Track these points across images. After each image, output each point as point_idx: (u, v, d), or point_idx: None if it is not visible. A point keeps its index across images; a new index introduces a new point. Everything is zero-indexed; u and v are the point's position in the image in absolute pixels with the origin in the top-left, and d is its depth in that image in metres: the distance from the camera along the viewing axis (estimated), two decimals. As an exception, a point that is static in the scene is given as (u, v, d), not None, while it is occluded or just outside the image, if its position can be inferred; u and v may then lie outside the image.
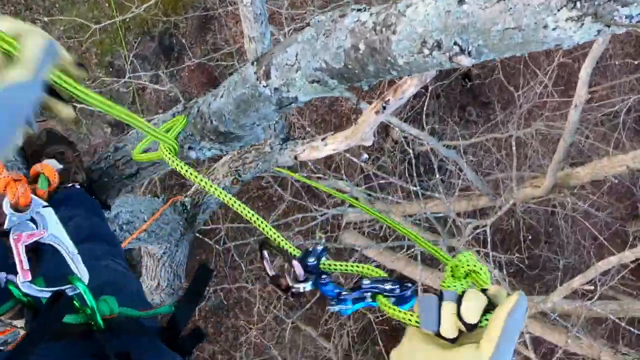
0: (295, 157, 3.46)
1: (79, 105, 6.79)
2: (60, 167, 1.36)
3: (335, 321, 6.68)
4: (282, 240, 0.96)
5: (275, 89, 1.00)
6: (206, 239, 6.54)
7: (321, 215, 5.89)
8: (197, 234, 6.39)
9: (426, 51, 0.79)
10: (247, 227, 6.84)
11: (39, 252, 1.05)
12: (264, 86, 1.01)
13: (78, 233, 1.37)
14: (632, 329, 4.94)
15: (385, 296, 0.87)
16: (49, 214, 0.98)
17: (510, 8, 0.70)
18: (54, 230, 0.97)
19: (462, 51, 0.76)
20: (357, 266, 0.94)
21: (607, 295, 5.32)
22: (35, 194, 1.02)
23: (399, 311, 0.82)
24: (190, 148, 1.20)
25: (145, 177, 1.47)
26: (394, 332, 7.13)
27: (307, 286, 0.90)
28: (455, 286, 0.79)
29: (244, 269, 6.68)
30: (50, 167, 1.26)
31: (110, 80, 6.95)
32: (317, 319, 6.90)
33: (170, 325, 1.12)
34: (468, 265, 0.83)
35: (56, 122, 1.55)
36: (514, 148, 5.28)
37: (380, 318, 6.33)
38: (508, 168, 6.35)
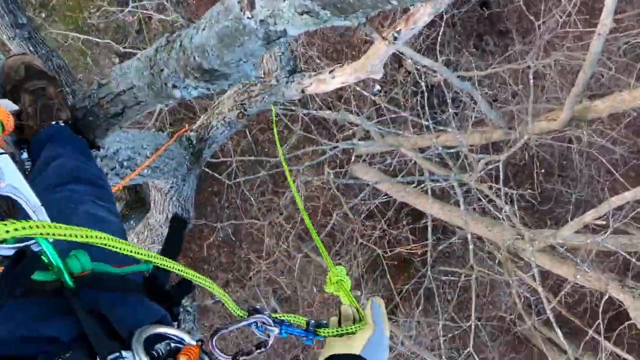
0: (303, 91, 3.35)
1: (82, 36, 6.65)
2: (15, 108, 1.23)
3: (345, 254, 6.78)
4: (234, 307, 1.14)
5: (261, 21, 0.89)
6: (216, 174, 6.55)
7: (331, 149, 5.81)
8: (207, 169, 6.40)
9: (428, -24, 0.68)
10: (257, 160, 6.82)
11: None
12: (248, 18, 0.90)
13: (62, 174, 1.30)
14: (641, 263, 4.94)
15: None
16: (5, 162, 0.87)
17: None
18: (12, 181, 0.85)
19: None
20: (291, 316, 1.23)
21: (618, 229, 5.28)
22: None
23: (327, 331, 1.16)
24: (174, 86, 1.11)
25: (132, 116, 1.39)
26: (402, 265, 7.23)
27: (277, 331, 1.15)
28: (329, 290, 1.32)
29: (254, 202, 6.72)
30: (1, 108, 1.12)
31: (115, 9, 6.72)
32: (328, 250, 7.00)
33: (154, 278, 1.08)
34: (338, 276, 1.31)
35: (35, 56, 1.43)
36: (531, 80, 5.07)
37: (389, 253, 6.39)
38: (524, 100, 6.15)
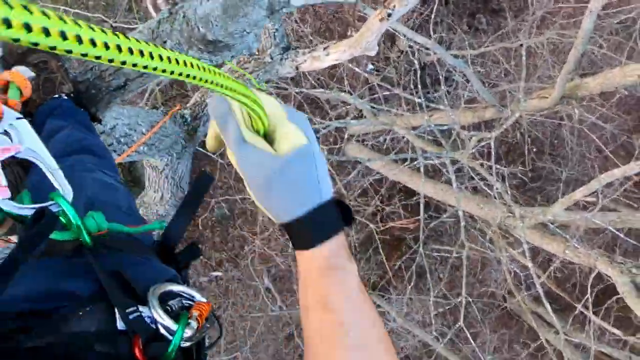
0: (297, 68, 3.36)
1: (73, 10, 6.56)
2: (32, 75, 1.25)
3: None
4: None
5: (265, -10, 0.91)
6: (209, 152, 6.55)
7: (324, 128, 5.82)
8: (201, 148, 6.39)
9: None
10: (251, 140, 6.82)
11: (28, 165, 0.99)
12: (252, -12, 0.92)
13: (66, 145, 1.32)
14: (629, 239, 5.03)
15: None
16: (24, 126, 0.89)
17: None
18: (30, 144, 0.89)
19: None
20: None
21: (607, 206, 5.37)
22: (7, 105, 0.94)
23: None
24: (177, 58, 1.12)
25: (134, 89, 1.39)
26: (395, 242, 7.31)
27: None
28: None
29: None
30: (20, 74, 1.15)
31: (103, -15, 6.64)
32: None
33: (164, 240, 1.10)
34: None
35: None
36: (523, 58, 5.10)
37: (382, 229, 6.45)
38: (516, 79, 6.18)
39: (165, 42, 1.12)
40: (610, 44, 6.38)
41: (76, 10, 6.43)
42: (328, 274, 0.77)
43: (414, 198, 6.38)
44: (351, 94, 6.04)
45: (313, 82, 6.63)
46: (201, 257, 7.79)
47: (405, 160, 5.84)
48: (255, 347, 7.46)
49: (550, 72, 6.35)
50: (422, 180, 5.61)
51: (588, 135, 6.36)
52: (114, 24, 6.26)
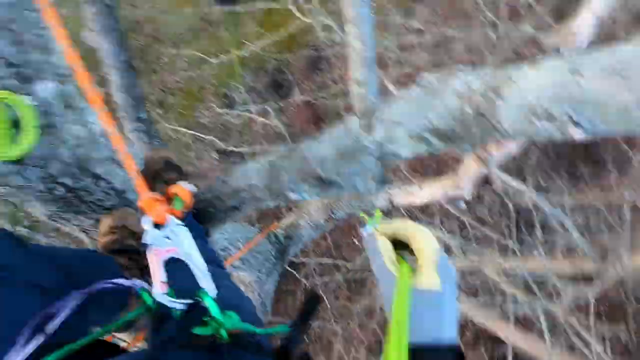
0: (391, 201, 3.46)
1: (189, 132, 7.28)
2: (194, 189, 1.48)
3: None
4: None
5: (378, 142, 1.02)
6: (294, 272, 6.65)
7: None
8: (288, 267, 6.52)
9: (535, 120, 0.77)
10: (335, 264, 6.87)
11: (168, 266, 1.14)
12: (367, 140, 1.03)
13: (202, 254, 1.47)
14: None
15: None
16: (184, 232, 1.07)
17: (631, 83, 0.67)
18: (186, 248, 1.06)
19: (575, 124, 0.73)
20: None
21: None
22: (172, 214, 1.12)
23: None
24: (290, 189, 1.25)
25: (247, 211, 1.54)
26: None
27: None
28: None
29: (329, 306, 6.68)
30: (186, 189, 1.38)
31: (222, 111, 7.41)
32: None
33: (283, 346, 1.15)
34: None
35: (170, 152, 1.68)
36: (627, 217, 4.89)
37: None
38: (621, 234, 5.87)
39: (281, 174, 1.26)
40: None
41: (193, 132, 7.14)
42: None
43: (501, 349, 5.96)
44: (441, 229, 6.02)
45: (403, 212, 6.69)
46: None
47: (494, 305, 5.57)
48: None
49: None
50: (511, 330, 5.28)
51: None
52: (224, 147, 6.84)
